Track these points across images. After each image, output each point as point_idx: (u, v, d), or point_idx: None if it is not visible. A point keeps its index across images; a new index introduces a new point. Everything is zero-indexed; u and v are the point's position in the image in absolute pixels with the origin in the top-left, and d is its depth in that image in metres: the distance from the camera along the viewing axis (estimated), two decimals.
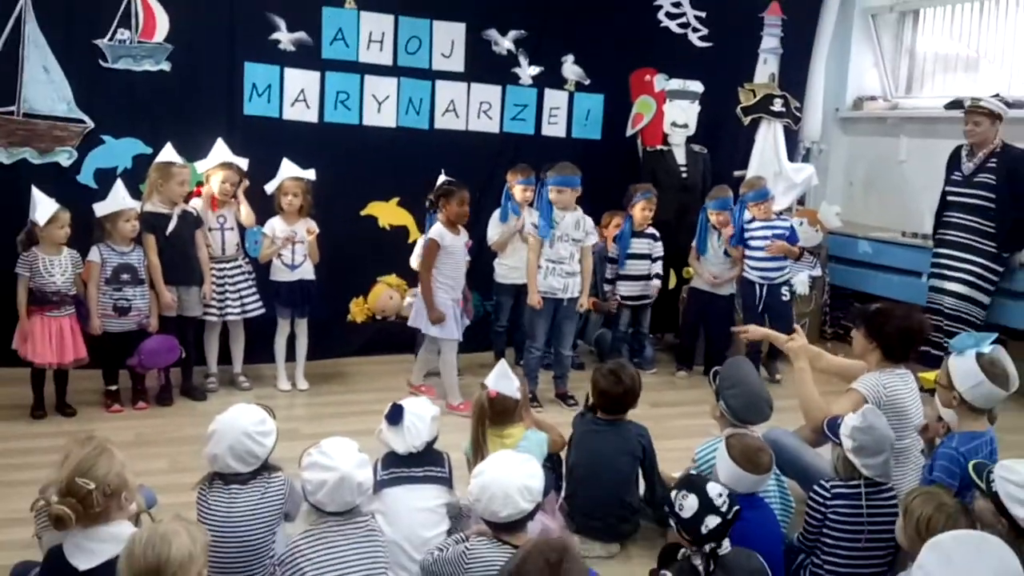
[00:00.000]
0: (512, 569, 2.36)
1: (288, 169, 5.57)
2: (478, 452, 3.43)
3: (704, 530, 2.71)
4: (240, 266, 5.71)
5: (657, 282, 6.39)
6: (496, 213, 5.93)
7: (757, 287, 6.20)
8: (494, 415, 3.49)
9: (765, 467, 3.15)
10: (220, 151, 5.53)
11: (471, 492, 2.91)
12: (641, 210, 6.30)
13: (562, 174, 5.28)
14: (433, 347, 5.31)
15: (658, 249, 6.42)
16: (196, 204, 5.60)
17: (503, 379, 3.57)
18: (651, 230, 6.39)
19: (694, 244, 6.31)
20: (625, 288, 6.35)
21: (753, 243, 6.26)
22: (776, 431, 3.96)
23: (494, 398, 3.49)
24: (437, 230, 5.13)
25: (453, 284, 5.23)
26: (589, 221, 5.42)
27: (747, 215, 6.24)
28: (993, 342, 3.51)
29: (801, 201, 7.20)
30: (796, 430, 4.05)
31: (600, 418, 3.75)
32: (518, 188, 5.79)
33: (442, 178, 5.41)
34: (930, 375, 3.89)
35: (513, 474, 2.87)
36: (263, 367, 5.93)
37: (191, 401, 5.60)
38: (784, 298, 6.21)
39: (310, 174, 5.54)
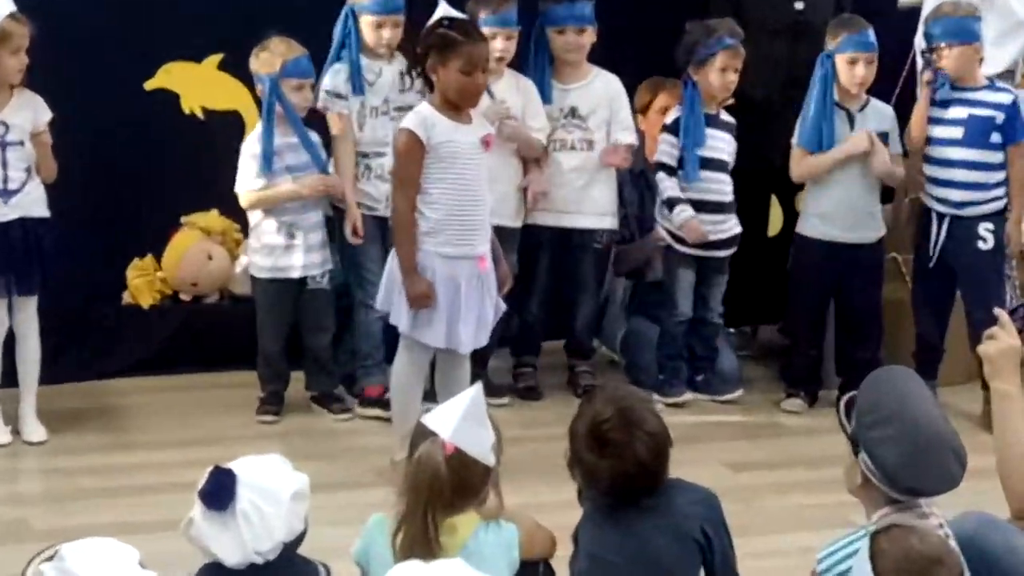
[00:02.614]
0: None
1: None
2: (424, 554, 2.58)
3: None
4: None
5: (735, 220, 4.71)
6: (251, 146, 4.62)
7: (935, 221, 4.57)
8: (451, 489, 2.67)
9: None
10: None
11: None
12: (720, 71, 4.44)
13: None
14: (448, 363, 4.09)
15: (734, 154, 4.72)
16: None
17: (471, 425, 2.67)
18: (726, 115, 4.65)
19: (797, 131, 4.52)
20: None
21: (937, 132, 4.54)
22: (975, 518, 2.82)
23: (451, 457, 2.62)
24: (420, 115, 3.89)
25: (459, 225, 3.92)
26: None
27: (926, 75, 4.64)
28: None
29: None
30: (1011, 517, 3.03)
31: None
32: (291, 86, 4.53)
33: (441, 9, 4.12)
34: None
35: None
36: None
37: None
38: (982, 246, 4.58)
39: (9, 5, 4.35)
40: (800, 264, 4.63)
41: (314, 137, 4.45)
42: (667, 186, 4.49)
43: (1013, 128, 4.40)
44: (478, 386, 2.67)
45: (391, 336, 4.56)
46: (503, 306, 3.93)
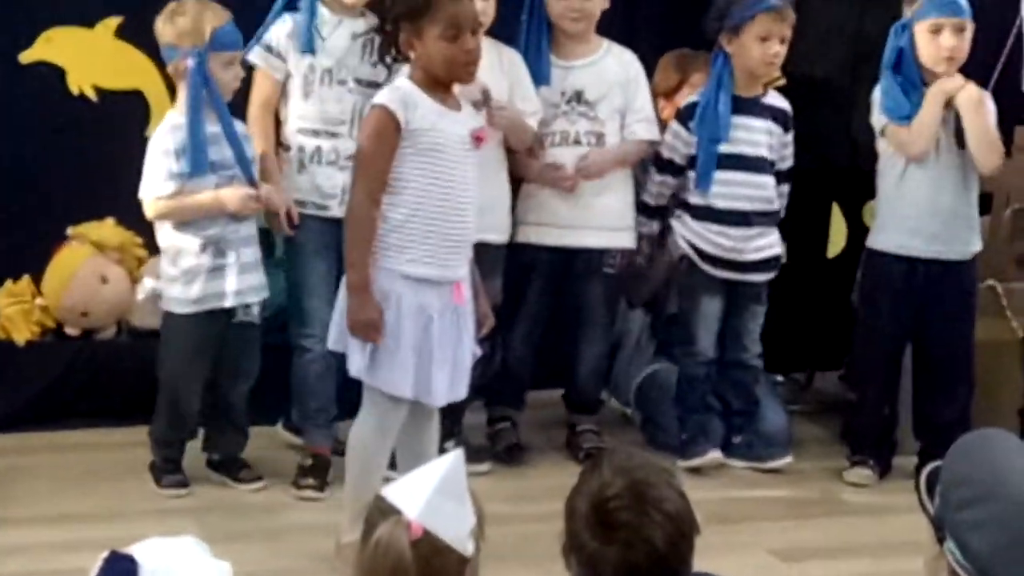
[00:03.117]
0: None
1: None
2: None
3: None
4: None
5: (775, 236, 4.10)
6: (164, 139, 4.08)
7: None
8: None
9: None
10: None
11: None
12: (760, 40, 3.86)
13: None
14: (413, 418, 3.55)
15: (787, 150, 4.06)
16: None
17: (446, 501, 2.38)
18: (774, 99, 4.04)
19: (880, 109, 3.85)
20: (714, 235, 4.09)
21: None
22: None
23: (419, 541, 2.31)
24: (399, 90, 3.43)
25: (436, 239, 3.41)
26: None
27: None
28: None
29: None
30: None
31: None
32: (222, 61, 4.19)
33: None
34: None
35: None
36: None
37: None
38: None
39: None
40: (871, 291, 3.95)
41: (240, 128, 3.87)
42: (652, 191, 3.88)
43: None
44: (458, 452, 2.27)
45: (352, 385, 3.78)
46: (478, 350, 3.46)
